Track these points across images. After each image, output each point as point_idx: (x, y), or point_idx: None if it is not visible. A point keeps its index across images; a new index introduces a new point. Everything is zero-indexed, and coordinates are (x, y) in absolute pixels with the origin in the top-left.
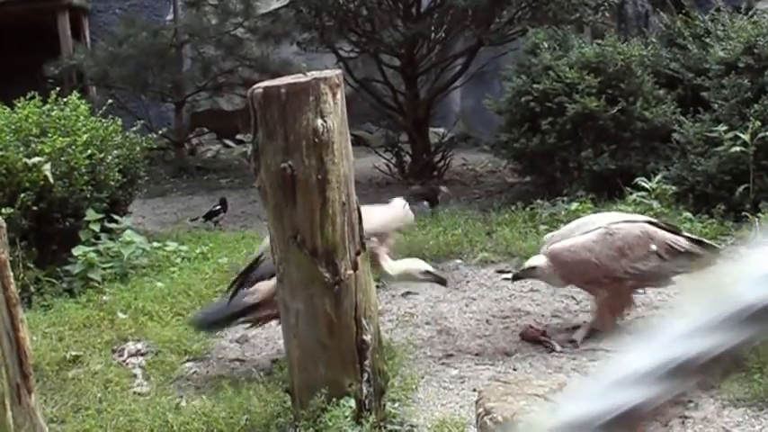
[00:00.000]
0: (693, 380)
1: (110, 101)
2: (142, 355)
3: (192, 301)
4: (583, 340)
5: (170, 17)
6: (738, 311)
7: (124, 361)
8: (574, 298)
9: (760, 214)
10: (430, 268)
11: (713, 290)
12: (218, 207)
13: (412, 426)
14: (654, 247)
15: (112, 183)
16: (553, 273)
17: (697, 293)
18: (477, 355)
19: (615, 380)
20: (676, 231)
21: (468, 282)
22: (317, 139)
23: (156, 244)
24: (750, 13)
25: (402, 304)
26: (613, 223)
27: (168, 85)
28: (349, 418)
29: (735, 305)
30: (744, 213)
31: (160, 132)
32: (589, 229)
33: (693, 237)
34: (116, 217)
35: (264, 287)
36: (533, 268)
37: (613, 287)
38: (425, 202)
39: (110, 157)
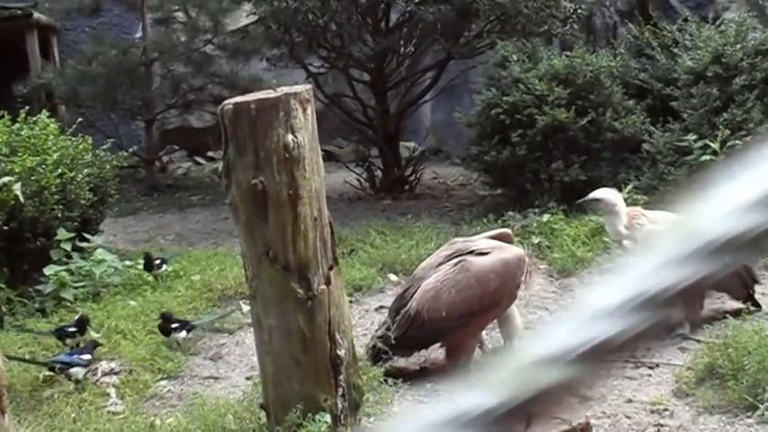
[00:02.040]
0: (662, 312)
1: (79, 119)
2: (116, 373)
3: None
4: (690, 330)
5: (139, 35)
6: (703, 246)
7: (98, 380)
8: (547, 309)
9: None
10: None
11: (680, 226)
12: (72, 329)
13: None
14: None
15: (83, 201)
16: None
17: (666, 230)
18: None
19: (587, 314)
20: None
21: None
22: (287, 155)
23: (128, 262)
24: (717, 22)
25: (375, 318)
26: None
27: (138, 103)
28: None
29: (700, 240)
30: None
31: (130, 150)
32: None
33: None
34: (87, 236)
35: None
36: (598, 200)
37: None
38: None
39: (80, 176)
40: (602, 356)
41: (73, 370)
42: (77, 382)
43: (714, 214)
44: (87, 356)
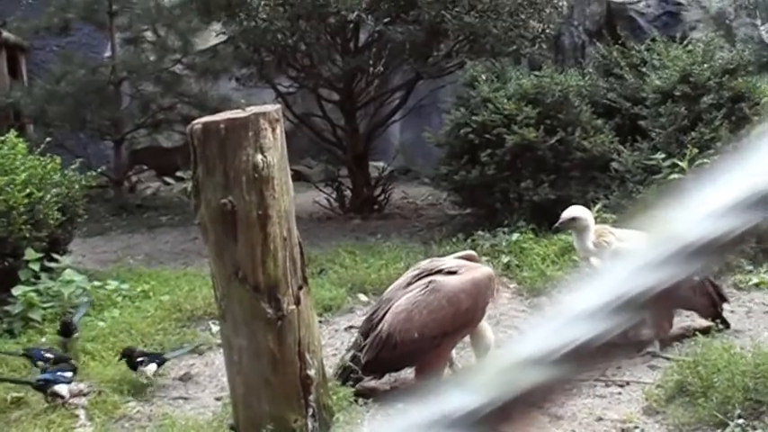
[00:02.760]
0: (641, 314)
1: (48, 139)
2: (84, 395)
3: (133, 340)
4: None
5: (108, 54)
6: (681, 249)
7: (66, 401)
8: (517, 328)
9: None
10: None
11: (659, 229)
12: (47, 354)
13: None
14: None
15: (52, 221)
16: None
17: (646, 233)
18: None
19: (568, 316)
20: None
21: None
22: (257, 175)
23: (96, 283)
24: (685, 42)
25: (345, 338)
26: None
27: (107, 123)
28: None
29: (677, 243)
30: None
31: (99, 170)
32: None
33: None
34: (56, 256)
35: None
36: (574, 219)
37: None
38: None
39: (49, 196)
40: (584, 357)
41: (57, 387)
42: (61, 397)
43: (691, 218)
44: (69, 374)
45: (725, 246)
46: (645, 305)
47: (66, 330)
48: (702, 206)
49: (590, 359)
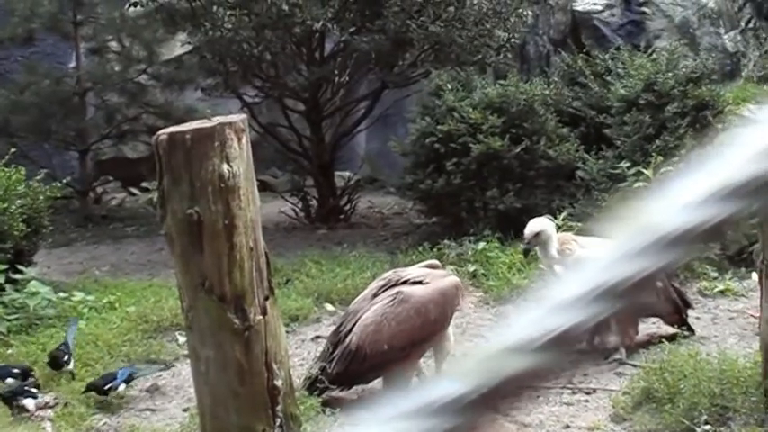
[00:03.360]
0: (620, 302)
1: (12, 150)
2: (51, 407)
3: (100, 352)
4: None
5: (73, 64)
6: (659, 238)
7: (33, 414)
8: (483, 337)
9: None
10: None
11: (637, 219)
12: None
13: None
14: (659, 284)
15: (16, 233)
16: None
17: (623, 224)
18: None
19: (549, 305)
20: (669, 276)
21: None
22: (222, 185)
23: (62, 294)
24: (649, 51)
25: (312, 348)
26: None
27: (72, 133)
28: None
29: (655, 233)
30: None
31: (64, 181)
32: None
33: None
34: (21, 267)
35: None
36: (538, 234)
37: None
38: None
39: (13, 207)
40: (566, 345)
41: (25, 401)
42: (27, 411)
43: (668, 209)
44: (35, 390)
45: (701, 236)
46: (624, 294)
47: (56, 364)
48: (678, 197)
49: (570, 347)
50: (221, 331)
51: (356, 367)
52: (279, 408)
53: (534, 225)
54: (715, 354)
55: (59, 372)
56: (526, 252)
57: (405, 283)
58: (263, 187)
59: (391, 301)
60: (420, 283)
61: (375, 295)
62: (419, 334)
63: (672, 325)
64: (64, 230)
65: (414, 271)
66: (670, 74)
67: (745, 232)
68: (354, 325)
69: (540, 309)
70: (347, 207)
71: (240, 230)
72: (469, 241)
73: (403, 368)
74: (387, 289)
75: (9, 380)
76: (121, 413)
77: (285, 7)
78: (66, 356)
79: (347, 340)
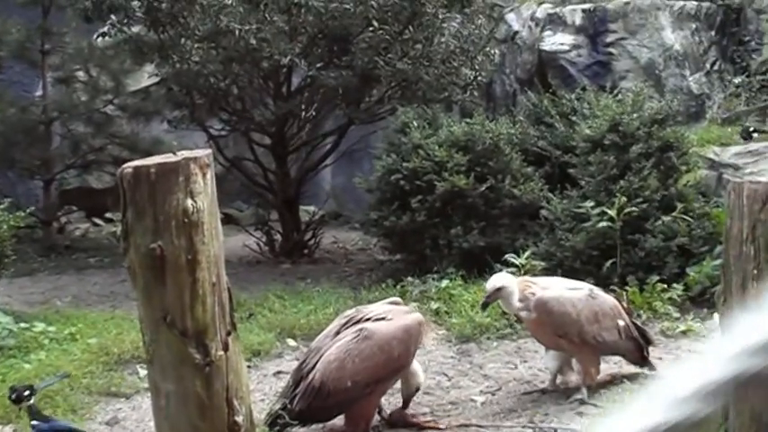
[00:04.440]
0: (731, 398)
1: None
2: None
3: (60, 384)
4: (588, 395)
5: (39, 93)
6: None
7: None
8: (445, 374)
9: (627, 287)
10: None
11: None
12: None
13: None
14: (621, 322)
15: None
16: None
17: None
18: None
19: (665, 398)
20: (630, 314)
21: None
22: (186, 220)
23: (23, 324)
24: (615, 91)
25: (274, 383)
26: (595, 288)
27: (36, 162)
28: None
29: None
30: (612, 287)
31: (28, 210)
32: (573, 286)
33: (639, 325)
34: None
35: None
36: (500, 289)
37: (579, 348)
38: None
39: None
40: None
41: None
42: None
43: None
44: None
45: None
46: (737, 390)
47: (17, 399)
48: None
49: None
50: (182, 366)
51: (319, 404)
52: None
53: (495, 281)
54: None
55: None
56: (485, 306)
57: (368, 320)
58: (228, 220)
59: (355, 337)
60: (383, 319)
61: (338, 332)
62: (383, 371)
63: (634, 364)
64: (26, 260)
65: (377, 308)
66: (635, 115)
67: (708, 274)
68: (318, 362)
69: (656, 401)
70: (311, 242)
71: (203, 265)
72: (433, 279)
73: (365, 405)
74: (350, 326)
75: None
76: None
77: (253, 41)
78: (28, 393)
79: (310, 377)
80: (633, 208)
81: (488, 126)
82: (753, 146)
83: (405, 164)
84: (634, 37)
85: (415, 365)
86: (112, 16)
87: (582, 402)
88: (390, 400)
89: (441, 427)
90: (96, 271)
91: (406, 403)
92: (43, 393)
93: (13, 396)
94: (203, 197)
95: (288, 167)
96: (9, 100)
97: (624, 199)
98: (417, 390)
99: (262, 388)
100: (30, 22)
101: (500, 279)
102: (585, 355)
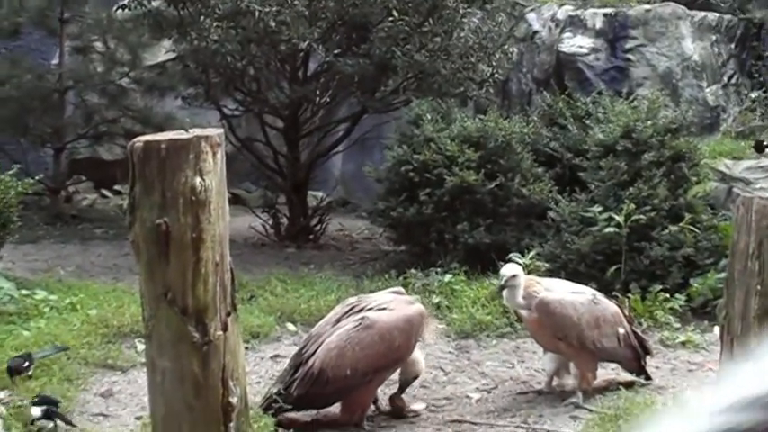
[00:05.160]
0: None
1: None
2: (4, 404)
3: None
4: (583, 399)
5: (56, 61)
6: None
7: None
8: (442, 369)
9: (629, 294)
10: None
11: None
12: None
13: None
14: (621, 330)
15: None
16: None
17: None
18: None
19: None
20: (631, 323)
21: None
22: (194, 198)
23: (24, 291)
24: (631, 98)
25: (270, 366)
26: (598, 294)
27: (48, 130)
28: None
29: None
30: (614, 293)
31: (37, 178)
32: (577, 290)
33: (639, 334)
34: None
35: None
36: (514, 276)
37: (578, 352)
38: None
39: None
40: None
41: None
42: None
43: None
44: None
45: None
46: None
47: (16, 371)
48: None
49: None
50: (180, 344)
51: (317, 390)
52: (232, 425)
53: (511, 267)
54: (671, 405)
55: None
56: (502, 289)
57: (370, 309)
58: (235, 201)
59: (356, 326)
60: (385, 309)
61: (339, 320)
62: (382, 360)
63: (631, 372)
64: (32, 227)
65: (379, 297)
66: (649, 122)
67: (711, 286)
68: (318, 348)
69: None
70: (317, 228)
71: (207, 244)
72: (436, 272)
73: (362, 394)
74: (351, 314)
75: None
76: (74, 416)
77: (272, 24)
78: (27, 365)
79: (309, 363)
80: (641, 216)
81: (502, 124)
82: (765, 161)
83: (416, 156)
84: (653, 45)
85: (417, 354)
86: None
87: (577, 406)
88: (386, 391)
89: (417, 411)
90: (101, 242)
91: (401, 389)
92: (39, 363)
93: (12, 371)
94: (212, 176)
95: (299, 152)
96: (26, 66)
97: (632, 206)
98: (416, 377)
99: (258, 371)
100: None
101: (514, 267)
102: (583, 360)
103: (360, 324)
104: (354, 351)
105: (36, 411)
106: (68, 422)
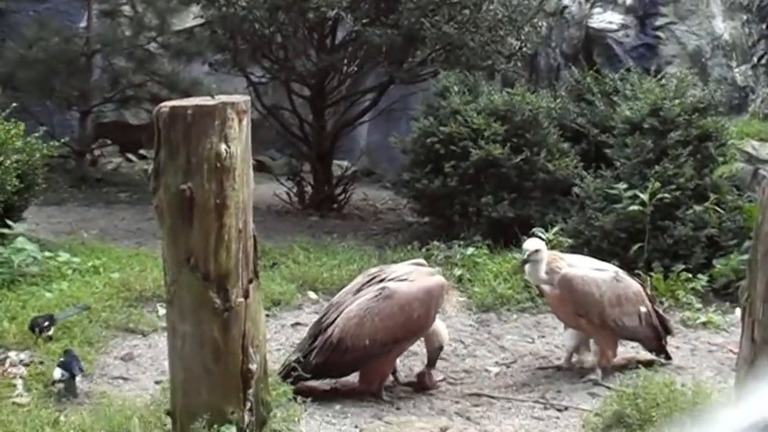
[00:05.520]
0: None
1: (14, 104)
2: (25, 365)
3: (79, 316)
4: (602, 377)
5: (83, 24)
6: None
7: (5, 370)
8: (462, 342)
9: (652, 273)
10: None
11: None
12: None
13: None
14: (643, 309)
15: (9, 187)
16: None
17: None
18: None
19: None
20: (653, 302)
21: None
22: (218, 164)
23: (48, 253)
24: (659, 76)
25: (291, 334)
26: (621, 271)
27: (75, 93)
28: None
29: None
30: (636, 272)
31: (62, 140)
32: (600, 267)
33: (661, 314)
34: (9, 222)
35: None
36: (537, 251)
37: (598, 330)
38: None
39: (8, 162)
40: None
41: None
42: None
43: None
44: None
45: None
46: None
47: (37, 330)
48: None
49: None
50: (201, 309)
51: (336, 359)
52: (251, 391)
53: (534, 242)
54: (690, 385)
55: (38, 335)
56: (525, 263)
57: (390, 279)
58: (260, 168)
59: (376, 296)
60: (406, 280)
61: (359, 290)
62: (401, 331)
63: (650, 351)
64: (57, 189)
65: (400, 268)
66: (677, 101)
67: (734, 268)
68: (337, 317)
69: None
70: (341, 197)
71: (231, 211)
72: (459, 245)
73: (381, 364)
74: (372, 284)
75: None
76: (94, 379)
77: None
78: (47, 324)
79: (329, 331)
80: (666, 194)
81: (529, 98)
82: None
83: (442, 128)
84: (683, 23)
85: (439, 324)
86: None
87: (595, 383)
88: (406, 363)
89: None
90: (125, 206)
91: (431, 361)
92: (61, 324)
93: (34, 328)
94: (237, 143)
95: (325, 120)
96: (53, 29)
97: (658, 184)
98: (441, 348)
99: (278, 338)
100: None
101: (537, 242)
102: (603, 337)
103: (380, 294)
104: (374, 321)
105: (57, 374)
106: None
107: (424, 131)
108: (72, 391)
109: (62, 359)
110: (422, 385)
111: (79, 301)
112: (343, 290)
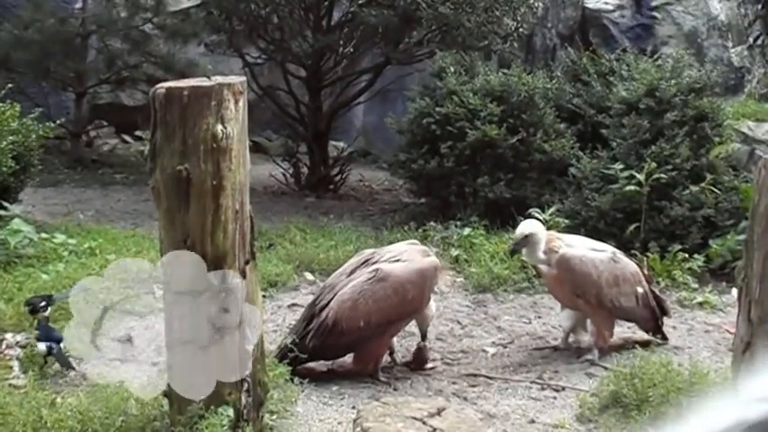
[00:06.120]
0: None
1: (9, 85)
2: (21, 347)
3: (76, 297)
4: (599, 357)
5: (79, 6)
6: None
7: (1, 352)
8: (459, 323)
9: (648, 254)
10: None
11: None
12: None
13: None
14: (640, 290)
15: (5, 169)
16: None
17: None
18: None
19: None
20: (650, 283)
21: None
22: (215, 145)
23: (44, 235)
24: (655, 56)
25: (287, 315)
26: (618, 252)
27: (71, 75)
28: (226, 427)
29: None
30: (633, 252)
31: (58, 122)
32: (598, 248)
33: (658, 294)
34: (5, 204)
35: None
36: (528, 236)
37: (595, 310)
38: None
39: (4, 143)
40: None
41: None
42: None
43: None
44: None
45: None
46: None
47: (33, 310)
48: None
49: None
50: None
51: (332, 342)
52: (248, 372)
53: (525, 227)
54: (687, 365)
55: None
56: (513, 252)
57: (384, 261)
58: (256, 149)
59: (369, 278)
60: (399, 261)
61: (353, 271)
62: (396, 312)
63: (647, 331)
64: (53, 171)
65: (394, 249)
66: (673, 81)
67: (730, 248)
68: (331, 300)
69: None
70: (338, 178)
71: (228, 192)
72: (456, 226)
73: (376, 346)
74: (365, 266)
75: None
76: (91, 360)
77: None
78: (44, 304)
79: (323, 314)
80: (662, 174)
81: (525, 78)
82: None
83: (438, 108)
84: (679, 3)
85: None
86: None
87: (592, 363)
88: (402, 343)
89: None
90: (121, 187)
91: (424, 335)
92: (57, 306)
93: (30, 308)
94: (234, 124)
95: (321, 101)
96: (48, 10)
97: (654, 165)
98: (430, 323)
99: (275, 319)
100: None
101: (530, 226)
102: (600, 318)
103: (373, 276)
104: (368, 303)
105: (42, 347)
106: (68, 365)
107: (420, 112)
108: (64, 361)
109: (37, 332)
110: (421, 359)
111: (75, 283)
112: (337, 271)
